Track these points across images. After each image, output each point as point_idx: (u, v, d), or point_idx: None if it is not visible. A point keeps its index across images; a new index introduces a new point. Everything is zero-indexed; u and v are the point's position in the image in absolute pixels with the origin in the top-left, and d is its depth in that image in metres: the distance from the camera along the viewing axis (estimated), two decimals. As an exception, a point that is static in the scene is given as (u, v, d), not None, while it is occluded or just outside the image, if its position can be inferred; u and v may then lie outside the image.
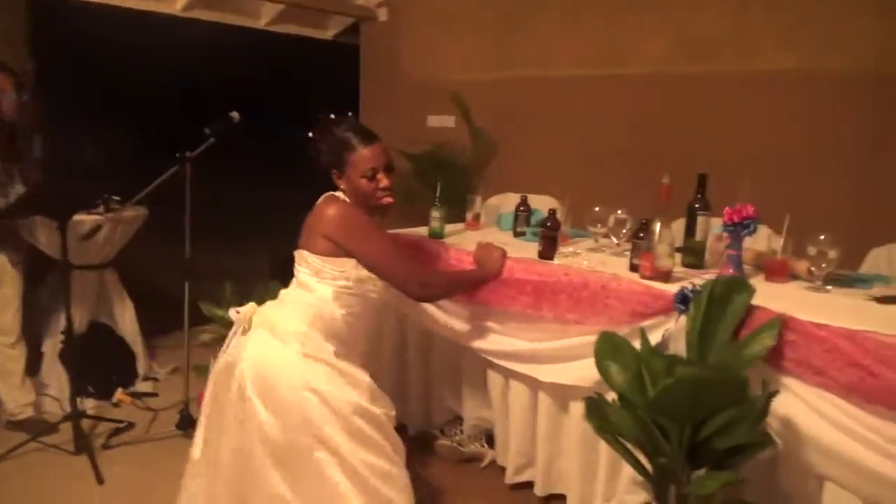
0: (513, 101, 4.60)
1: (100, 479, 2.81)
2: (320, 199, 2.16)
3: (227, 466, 1.99)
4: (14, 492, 2.75)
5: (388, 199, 2.12)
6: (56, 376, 3.52)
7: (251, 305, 2.14)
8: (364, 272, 2.08)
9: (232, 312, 2.13)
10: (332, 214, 2.05)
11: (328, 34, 5.68)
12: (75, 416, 3.02)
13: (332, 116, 2.16)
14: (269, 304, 2.15)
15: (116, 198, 3.43)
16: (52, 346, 3.55)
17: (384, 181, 2.10)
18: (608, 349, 1.83)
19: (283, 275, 2.36)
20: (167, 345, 4.24)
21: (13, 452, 2.94)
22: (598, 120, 4.17)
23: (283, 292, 2.20)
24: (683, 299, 1.92)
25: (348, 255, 2.05)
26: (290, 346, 1.96)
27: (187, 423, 3.14)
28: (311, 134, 2.17)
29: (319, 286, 2.06)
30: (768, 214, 2.31)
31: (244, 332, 2.08)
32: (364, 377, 2.04)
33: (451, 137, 4.68)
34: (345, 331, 2.08)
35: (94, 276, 3.59)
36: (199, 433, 2.12)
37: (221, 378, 2.06)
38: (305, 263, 2.09)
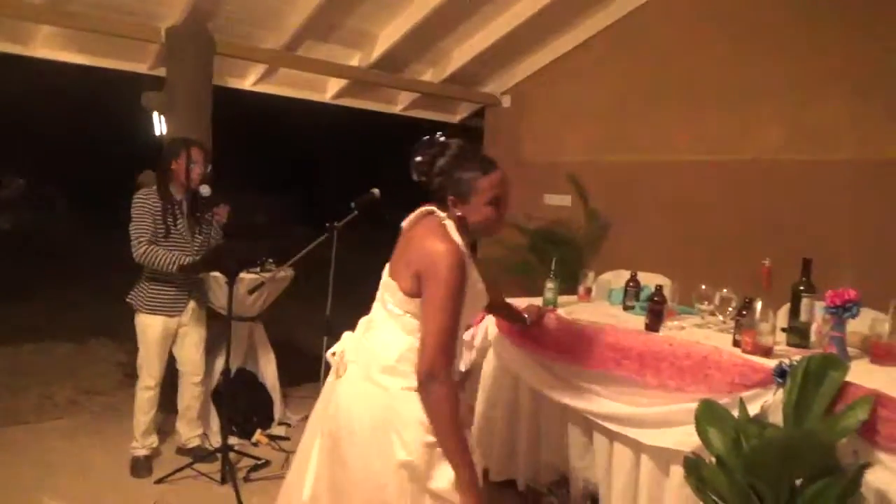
0: (627, 183, 4.82)
1: (241, 507, 3.18)
2: (419, 214, 2.01)
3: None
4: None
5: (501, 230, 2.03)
6: (207, 413, 3.99)
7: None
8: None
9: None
10: (438, 251, 1.81)
11: (456, 118, 6.22)
12: (225, 450, 3.43)
13: (444, 139, 1.98)
14: None
15: (271, 260, 3.93)
16: (207, 386, 4.04)
17: (506, 209, 1.96)
18: (708, 415, 1.99)
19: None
20: (298, 394, 4.66)
21: (172, 476, 3.40)
22: (709, 203, 4.32)
23: None
24: (782, 373, 2.04)
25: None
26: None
27: (317, 465, 3.48)
28: (419, 158, 1.96)
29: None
30: (875, 298, 2.40)
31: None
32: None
33: (566, 216, 4.96)
34: None
35: (246, 328, 4.07)
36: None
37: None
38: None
